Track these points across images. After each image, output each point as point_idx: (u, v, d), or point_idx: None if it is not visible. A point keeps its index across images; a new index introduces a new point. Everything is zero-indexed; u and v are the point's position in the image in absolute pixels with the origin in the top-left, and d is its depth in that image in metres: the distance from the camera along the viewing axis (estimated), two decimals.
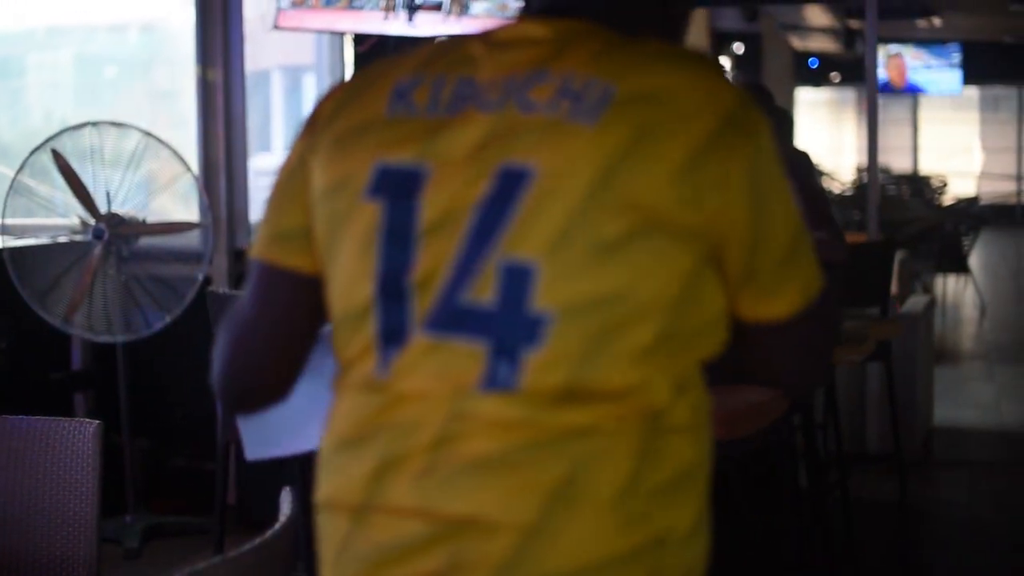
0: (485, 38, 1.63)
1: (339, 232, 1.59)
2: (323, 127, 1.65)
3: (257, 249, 1.72)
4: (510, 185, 1.51)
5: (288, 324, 1.70)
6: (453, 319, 1.51)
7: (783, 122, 5.81)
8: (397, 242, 1.54)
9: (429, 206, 1.53)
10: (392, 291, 1.54)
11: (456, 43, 1.65)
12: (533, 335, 1.47)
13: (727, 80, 1.57)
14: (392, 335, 1.53)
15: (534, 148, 1.51)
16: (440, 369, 1.51)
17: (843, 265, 5.62)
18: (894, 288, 6.89)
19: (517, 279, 1.49)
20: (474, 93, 1.56)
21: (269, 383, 1.76)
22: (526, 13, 1.67)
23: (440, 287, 1.52)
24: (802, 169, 5.96)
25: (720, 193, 1.50)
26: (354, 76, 1.74)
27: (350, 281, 1.58)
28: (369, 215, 1.56)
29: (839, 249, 5.62)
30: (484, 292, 1.50)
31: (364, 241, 1.56)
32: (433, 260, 1.52)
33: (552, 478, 1.47)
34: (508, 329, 1.49)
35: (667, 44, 1.64)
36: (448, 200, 1.53)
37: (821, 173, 16.65)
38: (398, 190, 1.55)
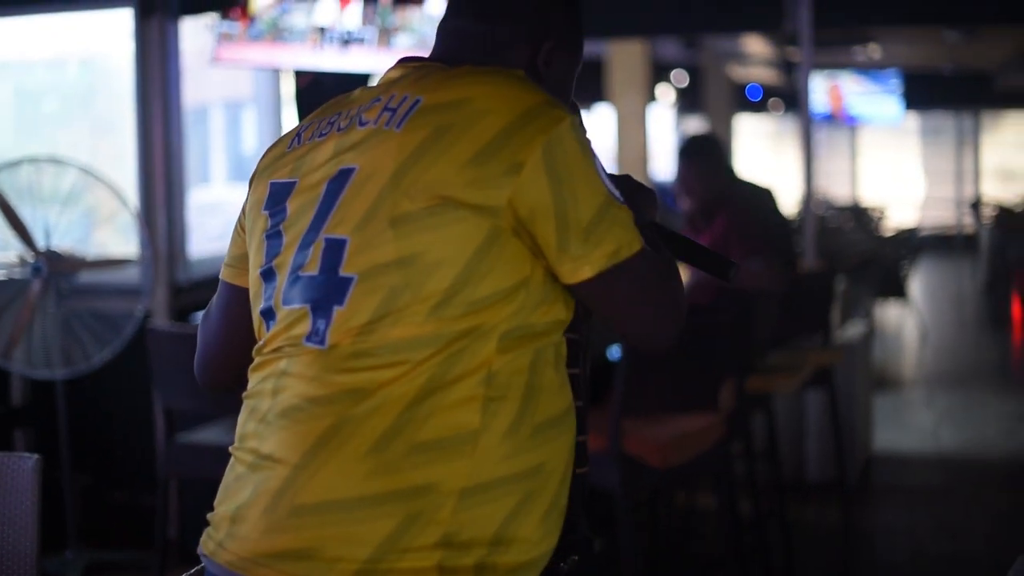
0: (363, 91, 2.04)
1: (251, 242, 2.04)
2: (256, 171, 2.09)
3: (221, 271, 2.16)
4: (340, 182, 1.91)
5: (238, 327, 2.11)
6: (295, 291, 1.91)
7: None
8: (274, 238, 1.97)
9: (291, 206, 1.96)
10: (268, 277, 1.97)
11: (339, 98, 2.08)
12: (342, 295, 1.86)
13: (532, 88, 1.91)
14: (268, 312, 1.97)
15: (360, 153, 1.91)
16: (286, 333, 1.92)
17: (780, 292, 5.68)
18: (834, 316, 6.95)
19: (334, 252, 1.88)
20: (336, 121, 1.99)
21: (232, 371, 2.15)
22: (402, 61, 2.07)
23: (289, 267, 1.93)
24: (765, 203, 6.04)
25: (511, 178, 1.83)
26: (285, 134, 2.14)
27: (252, 275, 2.03)
28: (263, 222, 2.01)
29: (775, 278, 5.68)
30: (313, 265, 1.90)
31: (259, 242, 2.00)
32: (287, 247, 1.94)
33: (321, 427, 1.82)
34: (324, 291, 1.87)
35: (484, 69, 1.97)
36: (302, 200, 1.95)
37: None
38: (278, 200, 1.99)
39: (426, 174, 1.84)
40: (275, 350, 1.93)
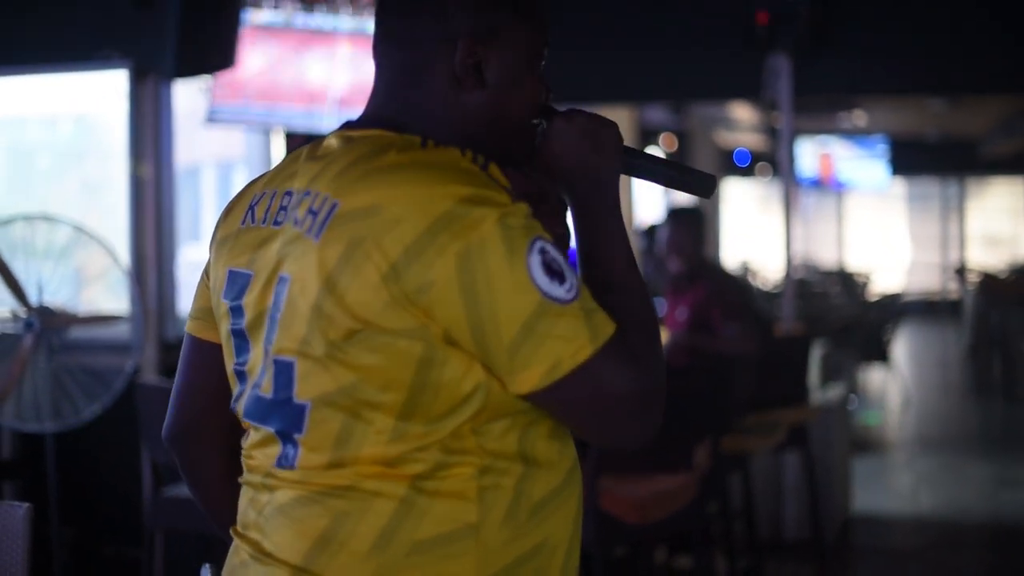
0: (311, 150, 1.88)
1: (219, 324, 1.93)
2: (215, 236, 1.96)
3: (187, 324, 2.04)
4: (280, 293, 1.79)
5: (206, 381, 1.99)
6: (259, 408, 1.83)
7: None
8: (239, 338, 1.87)
9: (248, 309, 1.84)
10: (239, 376, 1.88)
11: (295, 156, 1.91)
12: (300, 423, 1.77)
13: (454, 182, 1.71)
14: (244, 412, 1.87)
15: (292, 261, 1.77)
16: (261, 449, 1.84)
17: (753, 355, 5.80)
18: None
19: (284, 374, 1.78)
20: (288, 205, 1.83)
21: (197, 428, 2.03)
22: (346, 124, 1.91)
23: (252, 380, 1.85)
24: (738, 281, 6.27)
25: (426, 293, 1.68)
26: (237, 194, 2.00)
27: (227, 364, 1.92)
28: (224, 310, 1.89)
29: (751, 343, 5.80)
30: (268, 387, 1.81)
31: (226, 334, 1.90)
32: (252, 359, 1.84)
33: (318, 527, 1.75)
34: (284, 418, 1.78)
35: (410, 157, 1.77)
36: (255, 304, 1.83)
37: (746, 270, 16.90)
38: (237, 292, 1.87)
39: (346, 297, 1.70)
40: (254, 458, 1.87)
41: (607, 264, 1.88)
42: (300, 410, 1.77)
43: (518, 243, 1.69)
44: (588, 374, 1.71)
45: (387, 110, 1.89)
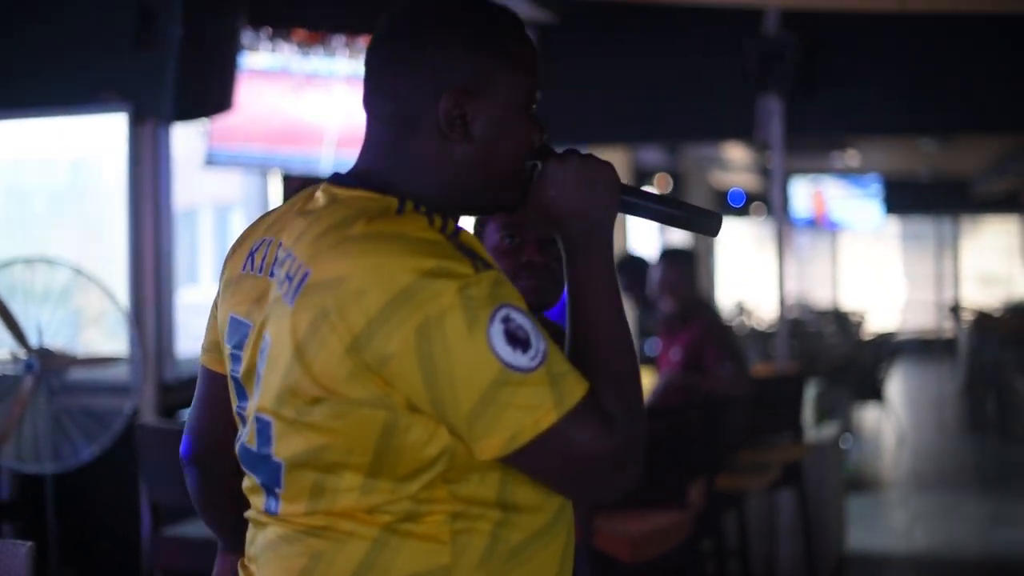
0: (303, 202, 1.92)
1: (225, 364, 2.00)
2: (223, 274, 2.03)
3: (200, 356, 2.12)
4: (263, 351, 1.85)
5: (221, 409, 2.05)
6: (246, 458, 1.92)
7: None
8: (236, 386, 1.95)
9: (244, 360, 1.91)
10: (241, 419, 1.96)
11: (291, 204, 1.95)
12: (278, 479, 1.85)
13: (418, 255, 1.73)
14: (239, 458, 1.96)
15: (272, 321, 1.84)
16: (252, 494, 1.93)
17: (746, 395, 5.85)
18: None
19: (264, 431, 1.86)
20: (278, 259, 1.88)
21: (215, 449, 2.11)
22: (335, 176, 1.93)
23: (243, 430, 1.93)
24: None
25: (387, 365, 1.71)
26: (243, 231, 2.05)
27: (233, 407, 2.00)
28: (227, 356, 1.98)
29: (744, 383, 5.86)
30: (252, 440, 1.88)
31: (229, 376, 1.98)
32: (248, 406, 1.91)
33: (298, 565, 1.82)
34: (266, 472, 1.87)
35: (378, 228, 1.78)
36: (248, 358, 1.89)
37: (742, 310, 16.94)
38: (238, 341, 1.93)
39: (313, 366, 1.75)
40: (251, 495, 1.95)
41: (594, 314, 1.89)
42: (277, 467, 1.84)
43: (479, 314, 1.71)
44: (553, 440, 1.73)
45: (375, 165, 1.91)
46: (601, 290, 1.90)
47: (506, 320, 1.73)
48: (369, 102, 1.94)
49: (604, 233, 1.92)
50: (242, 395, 1.93)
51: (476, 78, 1.86)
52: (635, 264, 7.47)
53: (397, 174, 1.89)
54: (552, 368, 1.74)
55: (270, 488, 1.87)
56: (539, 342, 1.74)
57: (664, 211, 2.01)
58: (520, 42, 1.90)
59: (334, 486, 1.79)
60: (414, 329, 1.70)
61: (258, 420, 1.86)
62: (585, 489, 1.82)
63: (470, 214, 2.01)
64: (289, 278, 1.81)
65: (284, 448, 1.82)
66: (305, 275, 1.78)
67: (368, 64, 1.95)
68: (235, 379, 1.95)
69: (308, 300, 1.76)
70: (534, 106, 1.93)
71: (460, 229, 1.82)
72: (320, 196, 1.89)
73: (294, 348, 1.77)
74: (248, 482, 1.93)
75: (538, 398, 1.72)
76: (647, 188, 16.26)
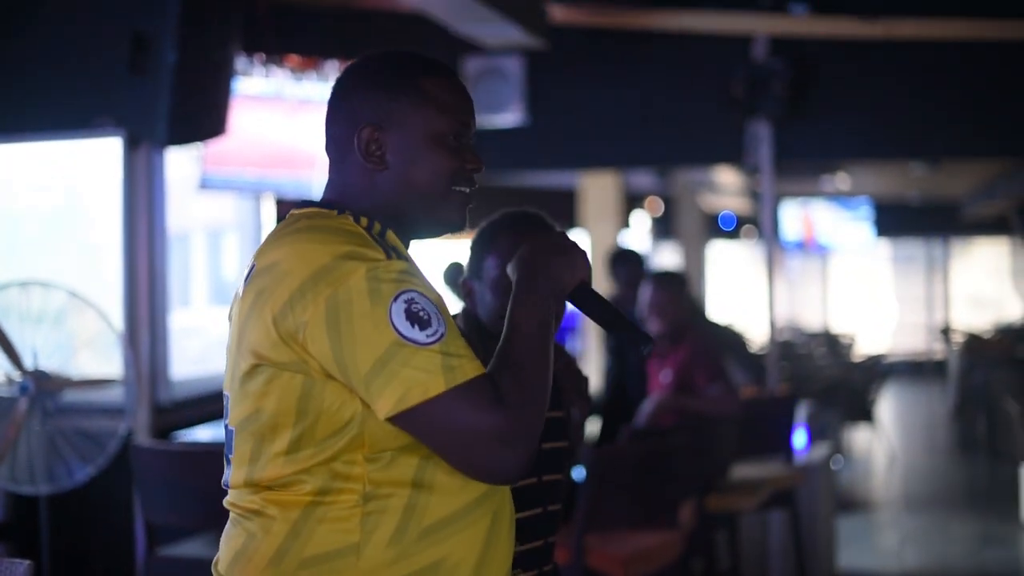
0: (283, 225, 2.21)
1: None
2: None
3: None
4: (228, 342, 2.18)
5: None
6: (226, 440, 2.20)
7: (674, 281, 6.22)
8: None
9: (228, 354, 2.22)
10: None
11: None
12: (231, 445, 2.16)
13: (335, 242, 2.04)
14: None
15: (234, 315, 2.16)
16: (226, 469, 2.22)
17: (736, 416, 5.89)
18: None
19: (226, 406, 2.18)
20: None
21: None
22: (303, 202, 2.24)
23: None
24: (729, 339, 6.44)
25: (302, 331, 2.01)
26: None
27: None
28: None
29: (733, 403, 5.90)
30: (224, 417, 2.20)
31: None
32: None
33: (237, 544, 2.13)
34: (227, 441, 2.18)
35: (310, 224, 2.12)
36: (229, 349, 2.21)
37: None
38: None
39: (249, 337, 2.07)
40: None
41: (524, 328, 2.11)
42: (231, 434, 2.16)
43: (383, 291, 2.01)
44: (440, 408, 1.99)
45: (328, 192, 2.25)
46: (532, 318, 2.13)
47: (409, 301, 2.02)
48: (324, 139, 2.28)
49: (551, 287, 2.17)
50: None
51: (387, 115, 2.19)
52: (629, 257, 7.51)
53: (342, 197, 2.22)
54: (448, 348, 2.02)
55: (227, 456, 2.18)
56: (440, 326, 2.03)
57: (605, 315, 2.25)
58: (437, 84, 2.22)
59: (267, 451, 2.07)
60: (324, 300, 2.00)
61: (225, 397, 2.18)
62: (472, 463, 2.03)
63: (422, 235, 2.26)
64: (245, 277, 2.14)
65: (234, 416, 2.13)
66: (252, 267, 2.13)
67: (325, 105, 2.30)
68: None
69: (252, 285, 2.10)
70: (455, 139, 2.21)
71: (386, 230, 2.16)
72: (292, 212, 2.23)
73: (240, 327, 2.11)
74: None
75: (429, 369, 1.99)
76: (636, 214, 16.30)
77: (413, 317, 2.01)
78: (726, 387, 5.86)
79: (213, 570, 2.19)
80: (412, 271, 2.07)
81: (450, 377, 1.99)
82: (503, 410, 2.00)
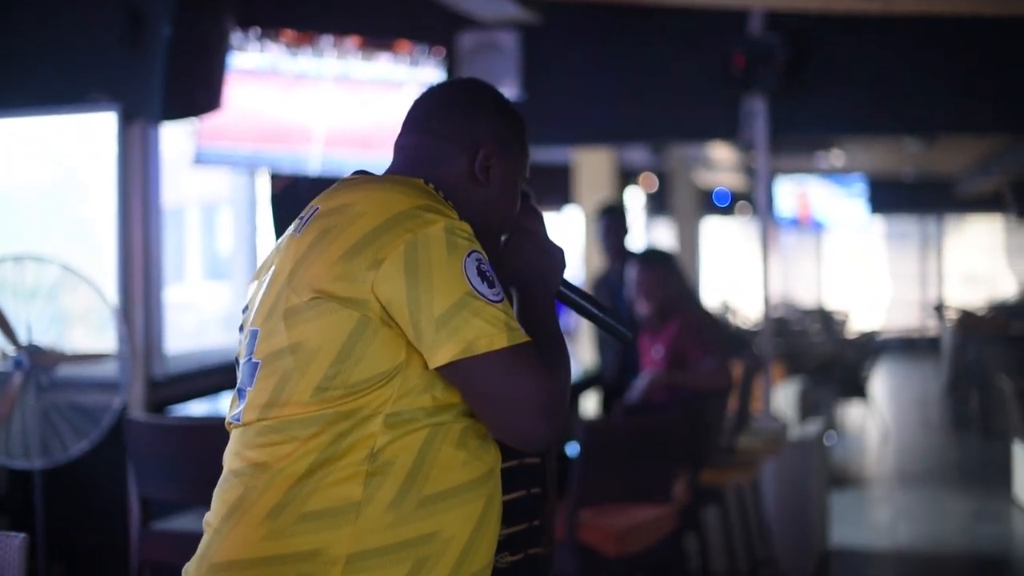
0: (348, 180, 2.29)
1: None
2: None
3: None
4: (264, 282, 2.22)
5: None
6: (237, 372, 2.25)
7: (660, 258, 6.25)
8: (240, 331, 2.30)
9: (249, 301, 2.29)
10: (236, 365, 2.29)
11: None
12: (252, 378, 2.17)
13: (413, 195, 2.13)
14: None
15: (278, 255, 2.21)
16: (230, 413, 2.25)
17: (728, 390, 5.89)
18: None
19: (252, 341, 2.19)
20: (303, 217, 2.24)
21: None
22: (354, 173, 2.34)
23: (238, 355, 2.27)
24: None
25: (376, 269, 2.05)
26: None
27: None
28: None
29: (726, 377, 5.90)
30: (242, 352, 2.22)
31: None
32: (244, 332, 2.26)
33: (234, 496, 2.14)
34: (245, 376, 2.20)
35: (378, 177, 2.27)
36: (252, 296, 2.28)
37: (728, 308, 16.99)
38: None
39: (308, 271, 2.10)
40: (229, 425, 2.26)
41: (538, 328, 2.26)
42: (254, 367, 2.16)
43: (459, 247, 2.10)
44: (499, 362, 2.08)
45: (405, 171, 2.32)
46: (543, 319, 2.32)
47: (479, 260, 2.11)
48: (409, 136, 2.37)
49: (550, 288, 2.38)
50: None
51: (507, 144, 2.37)
52: (612, 213, 7.54)
53: (424, 176, 2.29)
54: (508, 311, 2.12)
55: (243, 390, 2.19)
56: (502, 291, 2.12)
57: (588, 308, 2.44)
58: (524, 136, 2.43)
59: (295, 385, 2.09)
60: (404, 242, 2.06)
61: (251, 333, 2.19)
62: (513, 422, 2.11)
63: None
64: (301, 218, 2.20)
65: (264, 348, 2.14)
66: (315, 210, 2.18)
67: (422, 107, 2.40)
68: (240, 328, 2.28)
69: (314, 225, 2.14)
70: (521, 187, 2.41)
71: (448, 200, 2.25)
72: (340, 180, 2.29)
73: (295, 262, 2.12)
74: (233, 398, 2.25)
75: (495, 323, 2.08)
76: (630, 190, 16.28)
77: (482, 275, 2.10)
78: (719, 361, 5.87)
79: (205, 526, 2.19)
80: (475, 236, 2.16)
81: (512, 336, 2.09)
82: (551, 379, 2.11)
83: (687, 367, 5.89)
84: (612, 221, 7.38)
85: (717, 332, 6.07)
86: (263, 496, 2.10)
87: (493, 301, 2.09)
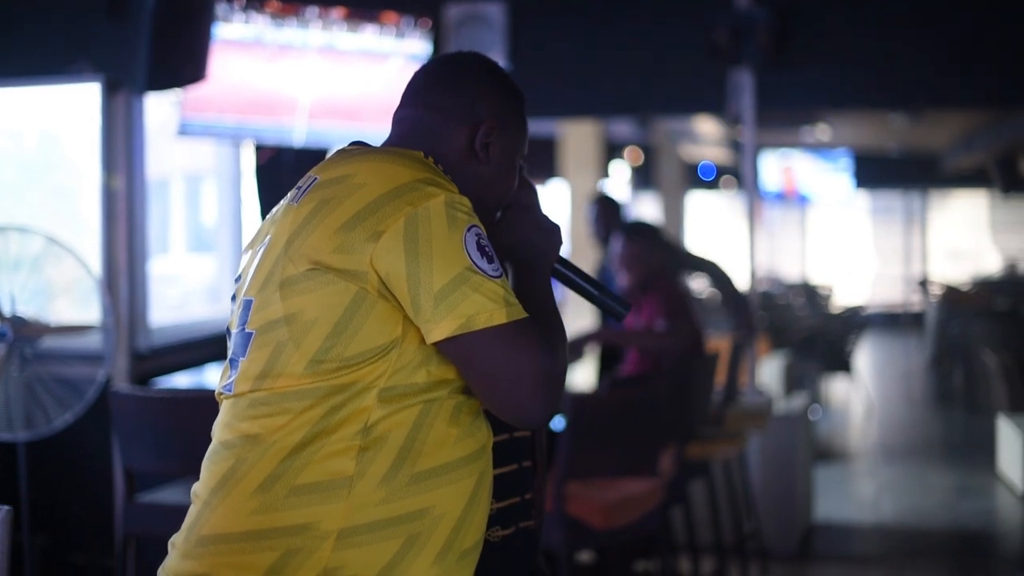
0: (346, 150, 2.27)
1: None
2: None
3: None
4: (259, 251, 2.18)
5: None
6: (229, 342, 2.22)
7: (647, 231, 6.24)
8: (232, 301, 2.28)
9: (242, 271, 2.26)
10: (228, 334, 2.26)
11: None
12: (245, 349, 2.14)
13: (414, 167, 2.11)
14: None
15: (274, 225, 2.17)
16: (221, 383, 2.23)
17: (673, 355, 5.86)
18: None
19: (245, 311, 2.15)
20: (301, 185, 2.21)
21: None
22: (351, 144, 2.31)
23: (231, 324, 2.24)
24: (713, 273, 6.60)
25: (375, 241, 2.03)
26: None
27: None
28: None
29: (675, 339, 5.89)
30: (235, 323, 2.20)
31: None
32: (237, 301, 2.23)
33: (224, 468, 2.11)
34: (238, 346, 2.17)
35: (379, 149, 2.23)
36: (246, 265, 2.24)
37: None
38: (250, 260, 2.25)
39: (306, 242, 2.06)
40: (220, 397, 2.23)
41: (536, 305, 2.22)
42: (248, 337, 2.13)
43: (459, 221, 2.07)
44: (498, 337, 2.05)
45: (403, 144, 2.29)
46: (540, 295, 2.29)
47: (479, 235, 2.10)
48: (409, 111, 2.35)
49: (546, 264, 2.36)
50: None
51: (504, 120, 2.33)
52: (604, 201, 7.56)
53: (423, 148, 2.26)
54: (507, 286, 2.10)
55: (235, 361, 2.16)
56: (500, 266, 2.11)
57: (582, 285, 2.44)
58: (525, 112, 2.40)
59: (289, 357, 2.07)
60: (404, 215, 2.04)
61: (244, 302, 2.16)
62: (511, 397, 2.09)
63: None
64: (299, 188, 2.17)
65: (258, 319, 2.11)
66: (313, 180, 2.16)
67: (421, 81, 2.38)
68: (233, 298, 2.26)
69: (313, 195, 2.12)
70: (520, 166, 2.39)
71: (448, 175, 2.21)
72: (337, 151, 2.28)
73: (292, 232, 2.09)
74: (224, 368, 2.23)
75: (494, 299, 2.06)
76: (616, 164, 16.26)
77: (482, 250, 2.08)
78: (675, 325, 5.86)
79: (193, 497, 2.17)
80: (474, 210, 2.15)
81: (511, 311, 2.07)
82: (549, 355, 2.09)
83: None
84: (604, 208, 7.41)
85: (686, 303, 6.05)
86: (254, 468, 2.08)
87: (492, 276, 2.07)
